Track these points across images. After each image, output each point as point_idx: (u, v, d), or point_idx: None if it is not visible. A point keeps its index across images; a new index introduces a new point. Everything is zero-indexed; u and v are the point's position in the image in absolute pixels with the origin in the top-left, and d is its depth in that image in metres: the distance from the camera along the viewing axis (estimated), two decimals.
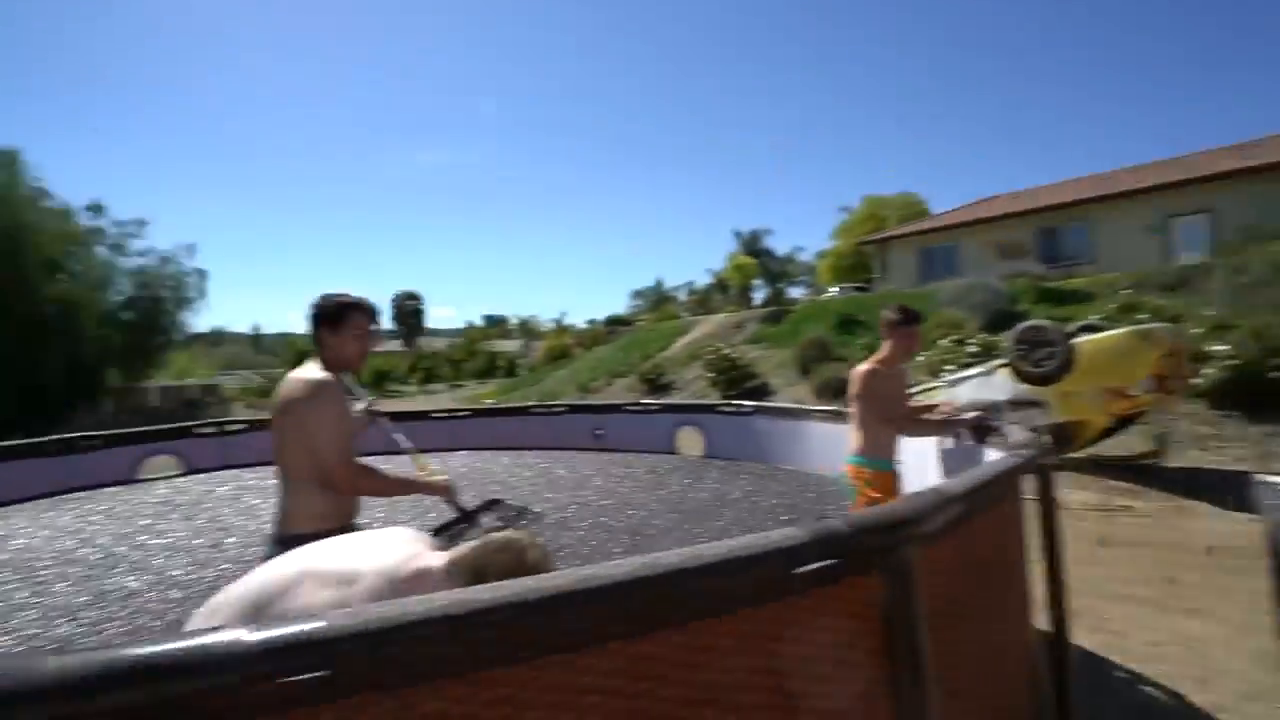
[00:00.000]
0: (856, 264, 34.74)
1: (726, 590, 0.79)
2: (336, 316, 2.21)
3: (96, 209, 21.96)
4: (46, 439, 4.64)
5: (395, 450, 2.42)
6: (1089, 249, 19.54)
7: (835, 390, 14.95)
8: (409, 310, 62.09)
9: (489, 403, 17.83)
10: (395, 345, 65.20)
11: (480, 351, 49.77)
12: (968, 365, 11.75)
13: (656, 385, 20.31)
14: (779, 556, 0.81)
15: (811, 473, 4.64)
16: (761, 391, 16.89)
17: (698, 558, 0.76)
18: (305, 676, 0.56)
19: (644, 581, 0.71)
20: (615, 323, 52.27)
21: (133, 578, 2.69)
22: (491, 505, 2.14)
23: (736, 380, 17.21)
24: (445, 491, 2.13)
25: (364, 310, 2.23)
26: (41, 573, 2.83)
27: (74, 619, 2.31)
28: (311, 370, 2.11)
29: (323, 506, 2.00)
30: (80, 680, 0.50)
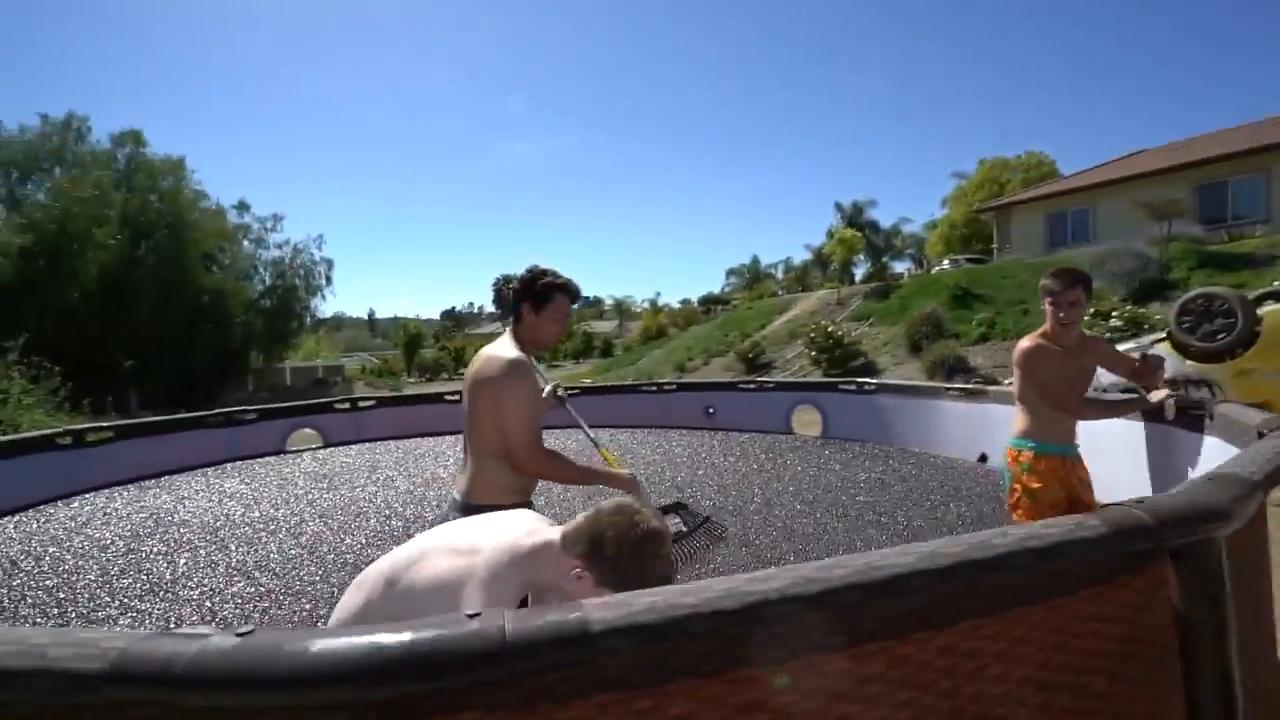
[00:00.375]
0: (971, 234, 32.24)
1: (1016, 585, 0.65)
2: (543, 296, 2.16)
3: (243, 207, 24.30)
4: (210, 413, 5.15)
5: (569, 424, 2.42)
6: (1264, 205, 16.95)
7: (949, 369, 13.99)
8: (509, 293, 64.44)
9: (587, 382, 18.15)
10: (496, 328, 68.09)
11: (576, 332, 50.91)
12: (1113, 342, 10.60)
13: (755, 364, 19.90)
14: (1075, 548, 0.66)
15: (941, 455, 4.30)
16: (867, 370, 16.08)
17: (987, 548, 0.62)
18: (563, 669, 0.49)
19: (927, 574, 0.59)
20: (711, 302, 51.72)
21: (292, 541, 2.88)
22: (675, 509, 2.09)
23: (840, 359, 16.49)
24: (629, 485, 2.03)
25: (569, 293, 2.20)
26: (221, 532, 3.11)
27: (251, 579, 2.49)
28: (505, 347, 2.10)
29: (507, 480, 2.03)
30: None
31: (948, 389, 4.55)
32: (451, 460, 4.60)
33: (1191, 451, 2.61)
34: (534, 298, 2.19)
